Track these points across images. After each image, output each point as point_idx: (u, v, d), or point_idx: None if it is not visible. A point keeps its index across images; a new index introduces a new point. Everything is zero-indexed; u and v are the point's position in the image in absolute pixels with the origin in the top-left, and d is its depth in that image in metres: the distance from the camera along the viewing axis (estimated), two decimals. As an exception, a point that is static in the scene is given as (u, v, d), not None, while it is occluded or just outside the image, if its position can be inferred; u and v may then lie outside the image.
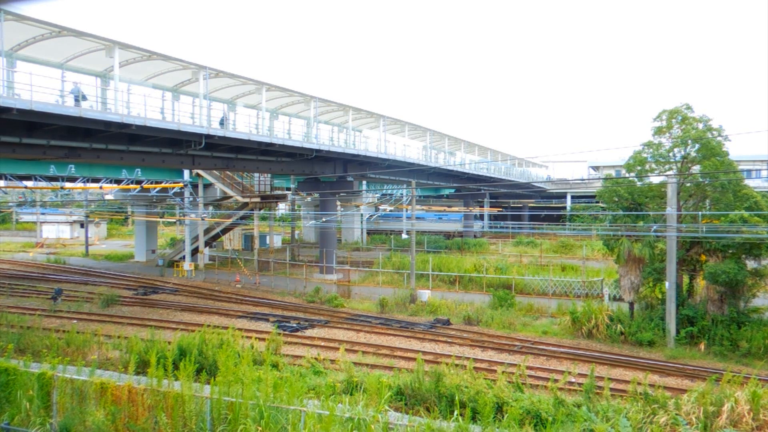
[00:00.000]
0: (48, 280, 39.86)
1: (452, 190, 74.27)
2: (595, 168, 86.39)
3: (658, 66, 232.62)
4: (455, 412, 12.19)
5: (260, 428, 10.66)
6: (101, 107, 26.48)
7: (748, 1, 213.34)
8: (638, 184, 26.99)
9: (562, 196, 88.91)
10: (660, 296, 25.42)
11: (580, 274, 38.11)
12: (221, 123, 31.65)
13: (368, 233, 73.42)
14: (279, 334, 22.49)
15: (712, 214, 25.12)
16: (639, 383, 15.72)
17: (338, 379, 16.97)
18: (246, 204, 46.22)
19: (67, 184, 37.20)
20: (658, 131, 25.68)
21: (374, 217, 73.85)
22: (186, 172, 43.94)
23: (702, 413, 12.96)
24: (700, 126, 24.73)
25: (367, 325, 27.05)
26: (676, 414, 12.93)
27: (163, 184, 37.84)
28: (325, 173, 41.70)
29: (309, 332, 25.69)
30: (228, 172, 45.71)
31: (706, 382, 13.96)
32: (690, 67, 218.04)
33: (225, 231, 51.48)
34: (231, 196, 47.38)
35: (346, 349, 21.93)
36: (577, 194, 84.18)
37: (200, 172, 46.18)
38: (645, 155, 26.09)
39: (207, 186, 49.82)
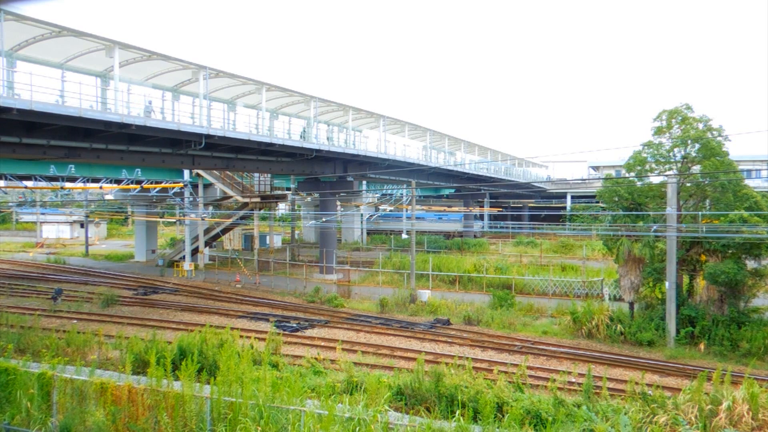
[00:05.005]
0: (48, 280, 39.87)
1: (452, 190, 74.25)
2: (595, 168, 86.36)
3: (658, 66, 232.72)
4: (457, 413, 12.19)
5: (260, 428, 10.66)
6: (101, 107, 26.49)
7: (748, 1, 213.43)
8: (638, 184, 26.98)
9: (562, 196, 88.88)
10: (660, 296, 25.42)
11: (580, 274, 38.10)
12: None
13: (368, 233, 73.41)
14: (279, 334, 22.48)
15: (712, 214, 25.11)
16: (636, 383, 15.72)
17: (338, 379, 16.98)
18: (246, 204, 46.23)
19: (67, 184, 37.19)
20: (658, 131, 25.69)
21: (374, 217, 73.83)
22: (186, 172, 43.96)
23: (698, 411, 12.95)
24: (700, 126, 24.74)
25: (367, 325, 27.06)
26: (676, 414, 12.92)
27: (163, 184, 37.84)
28: (325, 173, 41.71)
29: (309, 332, 25.70)
30: (228, 172, 45.72)
31: (698, 379, 13.93)
32: (690, 67, 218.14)
33: (225, 231, 51.49)
34: (231, 196, 47.40)
35: (347, 350, 21.94)
36: (577, 194, 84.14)
37: (200, 172, 46.20)
38: (645, 155, 26.10)
39: (207, 186, 49.84)
